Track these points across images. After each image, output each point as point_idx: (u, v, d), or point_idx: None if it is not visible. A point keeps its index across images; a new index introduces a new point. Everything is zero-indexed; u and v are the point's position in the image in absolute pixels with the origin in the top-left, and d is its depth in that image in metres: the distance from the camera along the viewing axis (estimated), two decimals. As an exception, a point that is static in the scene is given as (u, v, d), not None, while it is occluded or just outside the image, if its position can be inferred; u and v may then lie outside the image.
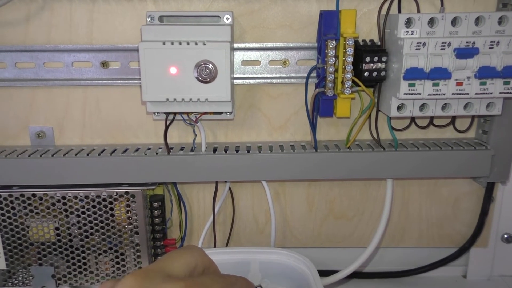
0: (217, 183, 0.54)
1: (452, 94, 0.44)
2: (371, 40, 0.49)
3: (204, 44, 0.43)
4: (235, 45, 0.50)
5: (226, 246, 0.58)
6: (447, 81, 0.44)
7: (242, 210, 0.57)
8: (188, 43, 0.43)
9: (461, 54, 0.43)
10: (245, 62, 0.51)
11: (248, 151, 0.51)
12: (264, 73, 0.51)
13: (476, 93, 0.45)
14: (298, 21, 0.50)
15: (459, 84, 0.44)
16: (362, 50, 0.46)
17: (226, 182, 0.54)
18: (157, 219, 0.54)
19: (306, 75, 0.50)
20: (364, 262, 0.53)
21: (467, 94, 0.45)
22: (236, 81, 0.51)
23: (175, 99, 0.44)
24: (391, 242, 0.59)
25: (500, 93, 0.45)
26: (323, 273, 0.56)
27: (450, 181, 0.56)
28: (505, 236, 0.60)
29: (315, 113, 0.50)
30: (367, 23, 0.50)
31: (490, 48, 0.44)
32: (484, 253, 0.60)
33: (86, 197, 0.51)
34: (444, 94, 0.44)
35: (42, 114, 0.53)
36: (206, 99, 0.45)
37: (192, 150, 0.51)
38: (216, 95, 0.44)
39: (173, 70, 0.44)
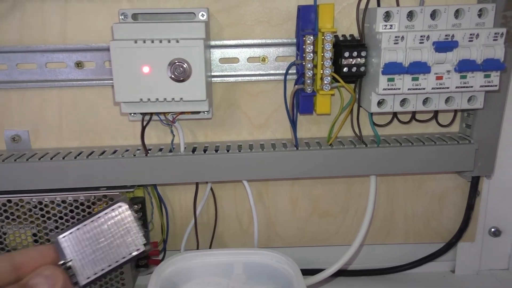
0: (197, 184, 0.53)
1: (432, 88, 0.44)
2: (351, 35, 0.49)
3: (177, 41, 0.42)
4: (213, 43, 0.49)
5: (210, 247, 0.57)
6: (427, 75, 0.43)
7: (224, 211, 0.56)
8: (160, 41, 0.42)
9: (440, 47, 0.42)
10: (223, 60, 0.50)
11: (228, 151, 0.50)
12: (243, 70, 0.50)
13: (457, 87, 0.44)
14: (276, 16, 0.49)
15: (439, 78, 0.43)
16: (341, 45, 0.45)
17: (207, 182, 0.53)
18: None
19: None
20: (349, 260, 0.52)
21: (448, 88, 0.44)
22: (214, 80, 0.50)
23: (149, 99, 0.43)
24: (377, 239, 0.58)
25: (481, 86, 0.44)
26: (309, 272, 0.55)
27: (435, 176, 0.56)
28: (493, 229, 0.59)
29: (295, 111, 0.49)
30: (347, 18, 0.49)
31: (469, 41, 0.43)
32: (472, 247, 0.60)
33: (63, 201, 0.50)
34: (424, 89, 0.44)
35: (16, 117, 0.52)
36: (181, 98, 0.43)
37: (170, 151, 0.50)
38: (191, 94, 0.43)
39: (145, 69, 0.42)
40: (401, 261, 0.59)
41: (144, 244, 0.30)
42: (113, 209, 0.30)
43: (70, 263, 0.28)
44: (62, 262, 0.28)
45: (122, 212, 0.30)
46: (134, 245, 0.30)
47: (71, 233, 0.29)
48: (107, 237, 0.29)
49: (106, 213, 0.29)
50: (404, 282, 0.59)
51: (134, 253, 0.30)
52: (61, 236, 0.28)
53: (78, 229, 0.29)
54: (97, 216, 0.29)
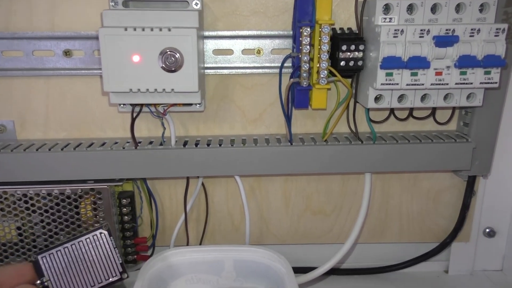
0: (188, 178, 0.51)
1: (431, 84, 0.43)
2: (349, 28, 0.47)
3: (169, 30, 0.40)
4: (206, 33, 0.47)
5: (200, 243, 0.55)
6: (426, 71, 0.42)
7: (216, 207, 0.54)
8: (151, 29, 0.40)
9: (441, 42, 0.41)
10: (217, 51, 0.48)
11: (220, 145, 0.48)
12: (237, 62, 0.49)
13: (456, 83, 0.43)
14: (272, 7, 0.48)
15: (439, 73, 0.42)
16: (339, 38, 0.44)
17: (198, 177, 0.52)
18: (126, 216, 0.51)
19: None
20: (342, 258, 0.51)
21: (447, 84, 0.43)
22: (207, 71, 0.49)
23: (139, 90, 0.42)
24: (371, 238, 0.57)
25: (481, 83, 0.43)
26: (301, 270, 0.54)
27: (431, 175, 0.55)
28: (487, 230, 0.59)
29: (290, 105, 0.48)
30: (345, 10, 0.48)
31: (470, 36, 0.42)
32: (466, 247, 0.59)
33: (49, 194, 0.48)
34: (422, 84, 0.42)
35: (1, 106, 0.50)
36: (172, 89, 0.42)
37: (161, 144, 0.48)
38: (183, 85, 0.42)
39: (136, 58, 0.41)
40: (394, 260, 0.59)
41: (121, 272, 0.31)
42: (94, 235, 0.31)
43: (47, 283, 0.29)
44: (39, 281, 0.28)
45: (102, 239, 0.31)
46: (111, 272, 0.31)
47: (51, 253, 0.29)
48: (85, 261, 0.30)
49: (87, 238, 0.31)
50: (398, 281, 0.58)
51: (111, 279, 0.31)
52: (40, 255, 0.29)
53: (58, 250, 0.30)
54: (78, 239, 0.30)
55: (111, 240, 0.32)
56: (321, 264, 0.52)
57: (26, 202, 0.49)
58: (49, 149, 0.48)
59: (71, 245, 0.31)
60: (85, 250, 0.31)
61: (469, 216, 0.56)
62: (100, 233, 0.32)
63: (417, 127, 0.52)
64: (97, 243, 0.32)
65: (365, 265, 0.59)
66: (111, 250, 0.32)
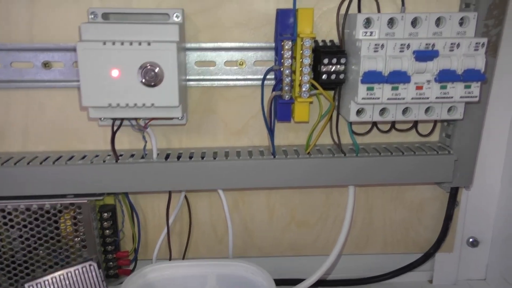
0: (170, 192, 0.50)
1: (412, 98, 0.43)
2: (331, 41, 0.47)
3: (149, 44, 0.40)
4: (189, 45, 0.47)
5: (184, 256, 0.55)
6: (407, 85, 0.42)
7: (199, 220, 0.54)
8: (131, 43, 0.40)
9: (421, 56, 0.41)
10: (199, 63, 0.48)
11: (203, 158, 0.48)
12: (220, 74, 0.48)
13: (437, 97, 0.43)
14: (255, 19, 0.48)
15: (419, 88, 0.42)
16: (320, 51, 0.44)
17: (181, 191, 0.51)
18: (107, 230, 0.50)
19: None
20: (327, 270, 0.51)
21: (427, 98, 0.43)
22: (190, 83, 0.48)
23: (118, 104, 0.41)
24: (355, 249, 0.57)
25: (461, 97, 0.43)
26: (286, 283, 0.54)
27: (414, 187, 0.55)
28: (471, 240, 0.59)
29: (272, 118, 0.48)
30: (327, 23, 0.48)
31: (450, 50, 0.42)
32: (450, 257, 0.59)
33: (28, 209, 0.47)
34: (403, 99, 0.43)
35: (-21, 119, 0.49)
36: (153, 104, 0.41)
37: (142, 158, 0.48)
38: (163, 100, 0.41)
39: (115, 73, 0.40)
40: (379, 271, 0.59)
41: None
42: (83, 266, 0.31)
43: None
44: None
45: (91, 271, 0.31)
46: None
47: (38, 282, 0.29)
48: None
49: (76, 269, 0.31)
50: (382, 292, 0.58)
51: None
52: (28, 283, 0.29)
53: (46, 280, 0.30)
54: (66, 270, 0.30)
55: (99, 273, 0.32)
56: (305, 276, 0.51)
57: (4, 217, 0.47)
58: (28, 163, 0.47)
59: (59, 275, 0.31)
60: (73, 281, 0.31)
61: (452, 226, 0.56)
62: (90, 265, 0.32)
63: (400, 139, 0.52)
64: (86, 275, 0.32)
65: (350, 276, 0.59)
66: (99, 283, 0.32)
